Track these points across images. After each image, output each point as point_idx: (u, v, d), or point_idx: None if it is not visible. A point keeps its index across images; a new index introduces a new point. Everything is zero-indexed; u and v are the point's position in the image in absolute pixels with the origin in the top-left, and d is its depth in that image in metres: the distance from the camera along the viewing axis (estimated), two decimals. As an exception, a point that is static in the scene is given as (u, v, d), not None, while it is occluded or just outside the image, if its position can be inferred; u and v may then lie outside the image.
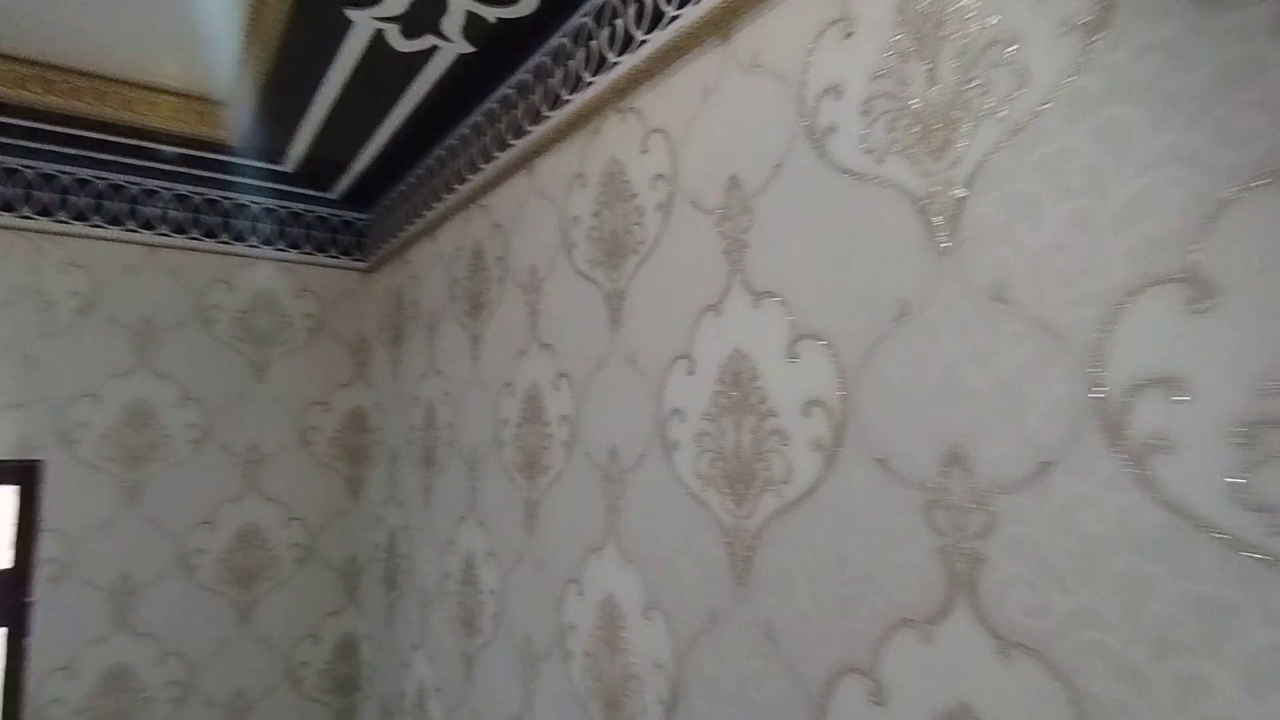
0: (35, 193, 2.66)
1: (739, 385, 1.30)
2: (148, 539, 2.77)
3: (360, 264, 3.25)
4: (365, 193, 3.03)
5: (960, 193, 0.97)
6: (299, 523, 3.04)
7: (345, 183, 2.91)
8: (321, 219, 3.18)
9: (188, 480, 2.85)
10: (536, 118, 1.98)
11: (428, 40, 1.92)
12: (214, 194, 2.95)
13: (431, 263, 2.68)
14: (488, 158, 2.23)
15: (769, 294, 1.26)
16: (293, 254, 3.12)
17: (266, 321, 3.05)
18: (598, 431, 1.70)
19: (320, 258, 3.18)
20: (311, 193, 3.04)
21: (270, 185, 2.96)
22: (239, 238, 3.00)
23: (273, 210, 3.08)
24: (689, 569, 1.39)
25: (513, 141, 2.10)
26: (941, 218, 0.99)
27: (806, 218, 1.20)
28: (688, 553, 1.39)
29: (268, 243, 3.06)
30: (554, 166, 1.95)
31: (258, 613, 2.92)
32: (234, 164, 2.79)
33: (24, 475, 2.70)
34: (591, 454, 1.71)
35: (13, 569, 2.73)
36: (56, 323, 2.69)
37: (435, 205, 2.59)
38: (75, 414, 2.69)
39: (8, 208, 2.62)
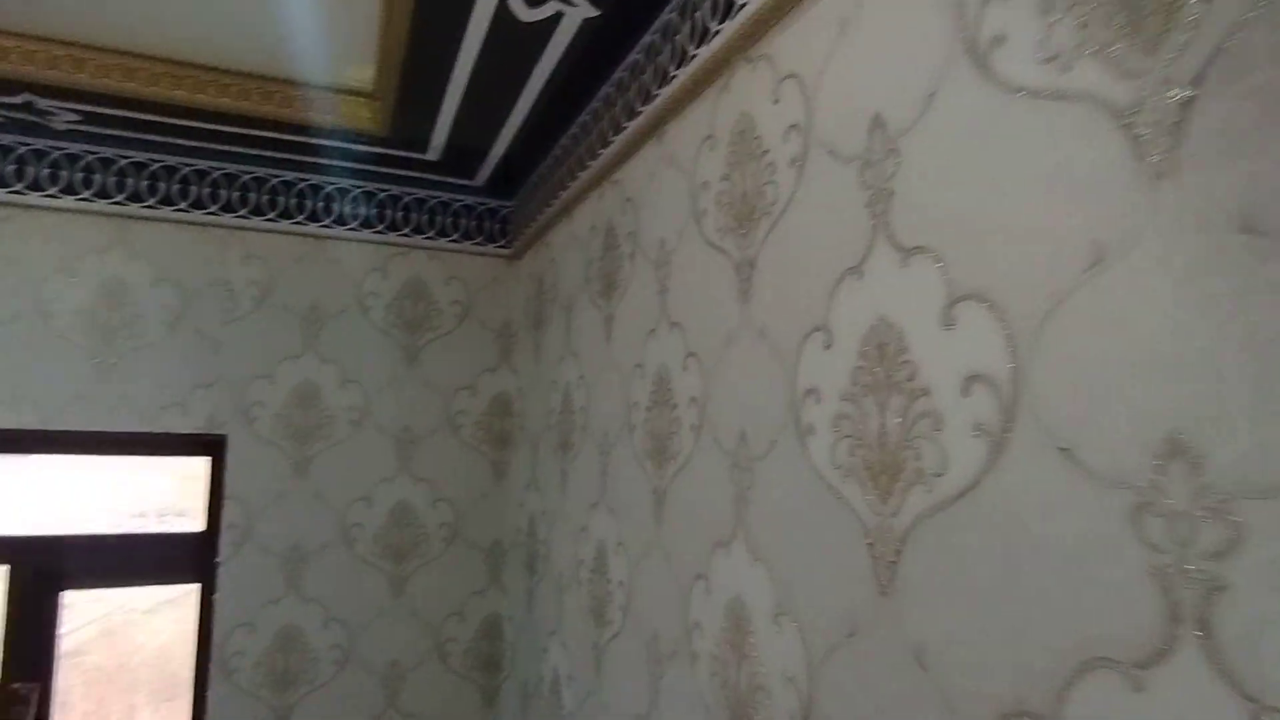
0: (220, 191, 2.91)
1: (884, 359, 1.10)
2: (314, 511, 2.96)
3: (505, 250, 3.30)
4: (507, 179, 3.05)
5: (1184, 93, 0.72)
6: (447, 503, 3.13)
7: (487, 169, 2.94)
8: (468, 207, 3.25)
9: (348, 458, 3.02)
10: (664, 79, 1.85)
11: (552, 6, 1.85)
12: (371, 186, 3.10)
13: (568, 245, 2.64)
14: (618, 129, 2.13)
15: (920, 250, 1.05)
16: (442, 242, 3.21)
17: (417, 308, 3.17)
18: (726, 415, 1.55)
19: (467, 245, 3.25)
20: (457, 181, 3.11)
21: (418, 175, 3.05)
22: (393, 228, 3.13)
23: (423, 200, 3.19)
24: (824, 572, 1.20)
25: (641, 109, 1.98)
26: (1154, 130, 0.75)
27: (967, 153, 0.98)
28: (823, 553, 1.21)
29: (419, 232, 3.18)
30: (683, 130, 1.82)
31: (410, 587, 3.04)
32: (384, 155, 2.89)
33: (212, 448, 2.97)
34: (720, 439, 1.56)
35: (204, 532, 3.03)
36: (238, 310, 2.93)
37: (570, 185, 2.54)
38: (253, 393, 2.92)
39: (199, 205, 2.88)
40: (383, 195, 3.12)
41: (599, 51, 2.06)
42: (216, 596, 2.83)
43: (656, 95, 1.90)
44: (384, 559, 3.02)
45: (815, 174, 1.31)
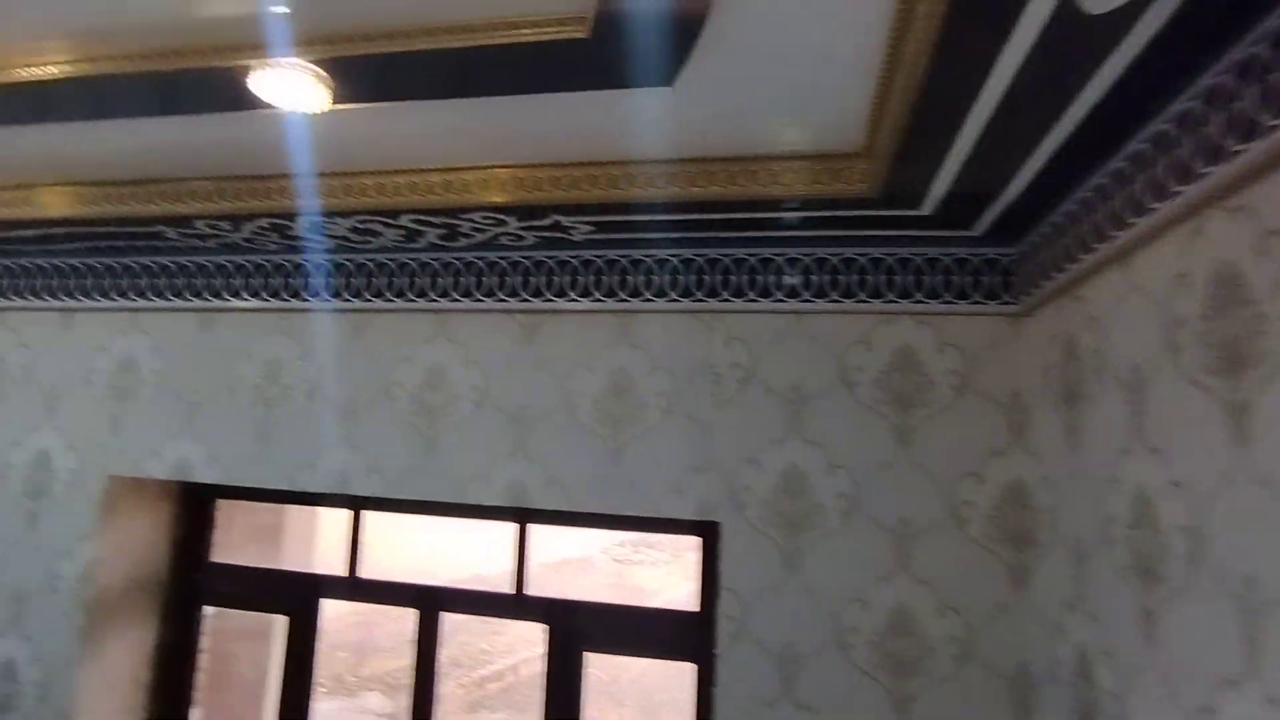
0: (705, 277, 2.95)
1: None
2: (806, 608, 2.73)
3: (1009, 307, 2.72)
4: (1012, 224, 2.49)
5: None
6: (955, 614, 2.62)
7: (991, 215, 2.44)
8: (960, 261, 2.77)
9: (839, 552, 2.74)
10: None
11: (1143, -12, 1.32)
12: (849, 252, 2.84)
13: (1124, 299, 1.98)
14: (1249, 133, 1.45)
15: None
16: (931, 304, 2.79)
17: (907, 381, 2.78)
18: None
19: (961, 305, 2.76)
20: (949, 234, 2.66)
21: (904, 233, 2.69)
22: (876, 294, 2.82)
23: (907, 260, 2.81)
24: None
25: (1309, 97, 1.30)
26: None
27: None
28: None
29: (904, 296, 2.80)
30: None
31: (916, 711, 2.60)
32: (866, 218, 2.60)
33: (704, 530, 2.98)
34: None
35: (699, 614, 3.04)
36: (723, 394, 2.91)
37: (1131, 222, 1.89)
38: (742, 479, 2.84)
39: (686, 293, 2.96)
40: (863, 260, 2.83)
41: (1199, 39, 1.44)
42: (716, 690, 2.77)
43: (1349, 70, 1.21)
44: (884, 672, 2.64)
45: None
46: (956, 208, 2.42)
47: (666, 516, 2.90)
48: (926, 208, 2.43)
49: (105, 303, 3.62)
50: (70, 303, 3.68)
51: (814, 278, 2.88)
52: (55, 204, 3.04)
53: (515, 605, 3.37)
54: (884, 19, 1.64)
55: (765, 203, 2.52)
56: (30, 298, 3.74)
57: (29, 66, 2.11)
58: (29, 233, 3.29)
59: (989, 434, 2.69)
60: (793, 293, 2.88)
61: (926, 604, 2.65)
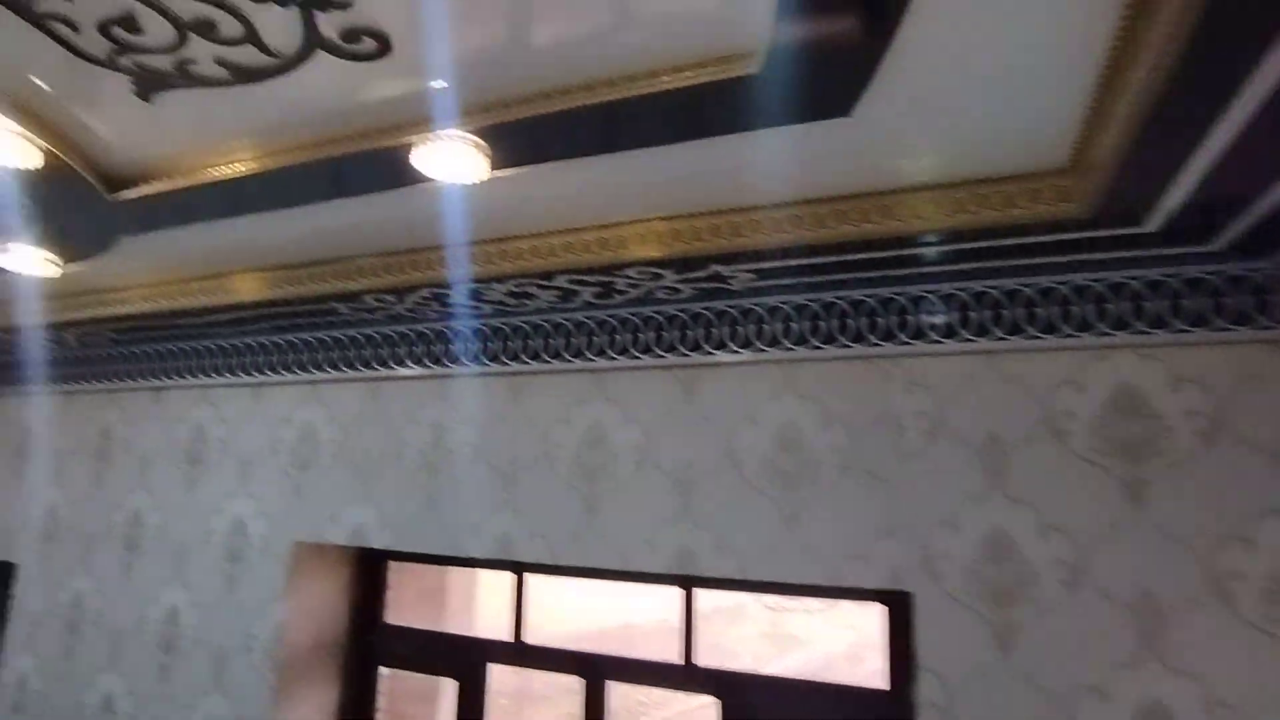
0: (878, 319, 2.68)
1: None
2: (1027, 698, 2.33)
3: (1269, 333, 2.25)
4: (1267, 234, 2.07)
5: None
6: (1231, 711, 2.14)
7: (1242, 223, 2.03)
8: (1193, 282, 2.34)
9: (1064, 630, 2.33)
10: None
11: None
12: (1046, 281, 2.49)
13: None
14: None
15: None
16: (1157, 334, 2.37)
17: (1134, 426, 2.36)
18: None
19: (1199, 333, 2.33)
20: (1175, 251, 2.25)
21: (1116, 255, 2.31)
22: (1084, 327, 2.44)
23: (1120, 285, 2.41)
24: None
25: None
26: None
27: None
28: None
29: (1120, 326, 2.40)
30: None
31: (1186, 833, 2.13)
32: (1069, 241, 2.25)
33: (891, 600, 2.66)
34: None
35: (889, 693, 2.70)
36: (908, 447, 2.61)
37: None
38: (936, 543, 2.51)
39: (858, 338, 2.70)
40: (1064, 288, 2.47)
41: None
42: (923, 788, 2.41)
43: None
44: (1137, 781, 2.19)
45: None
46: (1192, 221, 2.04)
47: (850, 585, 2.61)
48: (1152, 224, 2.07)
49: (289, 376, 3.86)
50: (260, 378, 3.95)
51: (1005, 312, 2.54)
52: (246, 289, 3.28)
53: (684, 676, 3.16)
54: (1112, 5, 1.38)
55: (947, 234, 2.25)
56: (227, 375, 4.06)
57: (221, 166, 2.26)
58: (224, 316, 3.58)
59: (1256, 488, 2.21)
60: (981, 330, 2.55)
61: (1190, 699, 2.18)
